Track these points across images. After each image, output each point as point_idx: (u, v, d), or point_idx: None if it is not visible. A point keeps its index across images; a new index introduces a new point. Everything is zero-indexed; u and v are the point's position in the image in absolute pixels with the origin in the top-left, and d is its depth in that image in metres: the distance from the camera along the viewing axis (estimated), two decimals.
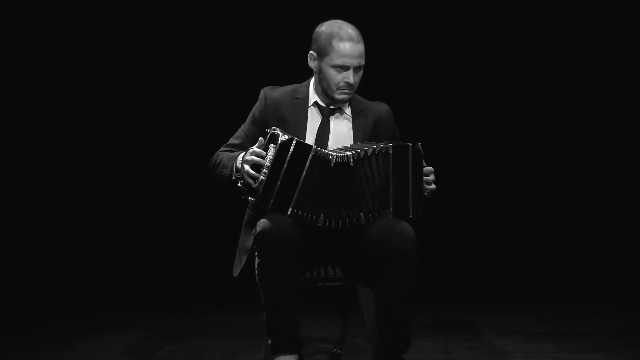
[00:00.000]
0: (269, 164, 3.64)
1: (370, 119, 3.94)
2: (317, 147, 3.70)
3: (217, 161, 3.89)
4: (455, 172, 6.66)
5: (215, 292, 6.11)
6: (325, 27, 3.87)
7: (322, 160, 3.67)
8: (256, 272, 3.69)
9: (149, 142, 6.70)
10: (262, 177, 3.63)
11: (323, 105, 3.92)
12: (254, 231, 3.67)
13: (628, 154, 6.72)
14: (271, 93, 3.94)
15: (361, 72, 3.88)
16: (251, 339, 4.71)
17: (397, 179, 3.71)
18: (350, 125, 3.93)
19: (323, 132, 3.89)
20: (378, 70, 6.23)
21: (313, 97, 3.93)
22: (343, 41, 3.81)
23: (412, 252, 3.66)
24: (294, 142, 3.64)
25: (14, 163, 6.64)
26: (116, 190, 6.74)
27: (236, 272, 3.91)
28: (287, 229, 3.62)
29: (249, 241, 3.83)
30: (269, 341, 3.74)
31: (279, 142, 3.64)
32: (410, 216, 3.72)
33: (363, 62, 3.86)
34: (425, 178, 3.77)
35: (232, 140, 3.95)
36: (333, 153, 3.70)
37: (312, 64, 3.91)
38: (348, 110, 3.95)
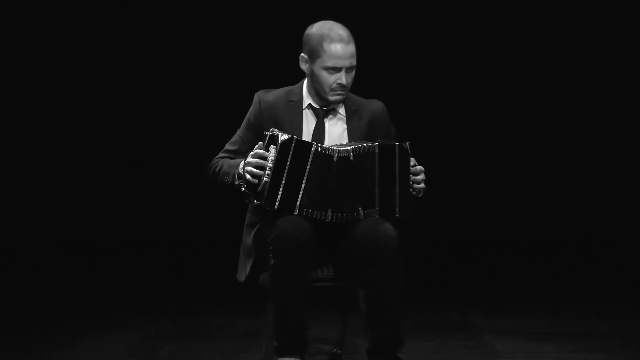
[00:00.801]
0: (271, 165, 3.64)
1: (365, 119, 3.93)
2: (315, 143, 3.69)
3: (217, 169, 3.88)
4: (455, 172, 6.67)
5: (216, 292, 6.11)
6: (315, 29, 3.85)
7: (324, 155, 3.68)
8: (268, 274, 3.70)
9: (149, 142, 6.70)
10: (265, 179, 3.64)
11: (317, 107, 3.91)
12: (270, 235, 3.66)
13: (628, 153, 6.72)
14: (265, 96, 3.94)
15: (353, 72, 3.86)
16: (251, 339, 4.71)
17: (384, 178, 3.70)
18: (345, 126, 3.93)
19: (318, 134, 3.89)
20: (379, 70, 6.26)
21: (307, 99, 3.92)
22: (334, 42, 3.80)
23: (393, 252, 3.65)
24: (294, 141, 3.64)
25: (14, 163, 6.64)
26: (116, 190, 6.74)
27: (242, 278, 3.91)
28: (305, 231, 3.63)
29: (253, 245, 3.83)
30: (275, 343, 3.73)
31: (280, 142, 3.64)
32: (397, 216, 3.72)
33: (355, 62, 3.84)
34: (413, 178, 3.76)
35: (228, 146, 3.94)
36: (334, 148, 3.70)
37: (303, 66, 3.90)
38: (342, 111, 3.94)
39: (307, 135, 3.89)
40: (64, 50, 6.59)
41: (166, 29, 6.61)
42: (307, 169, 3.66)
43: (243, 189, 3.70)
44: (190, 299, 6.02)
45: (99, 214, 6.73)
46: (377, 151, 3.71)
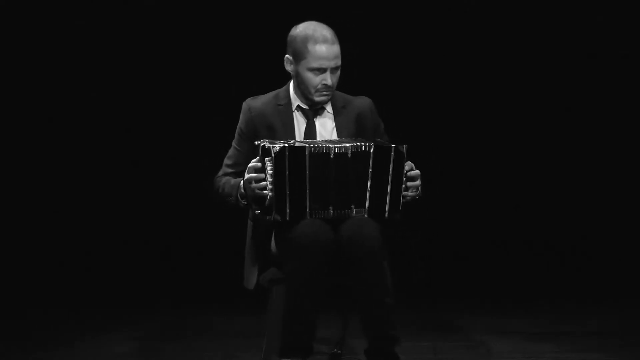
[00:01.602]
0: (271, 179, 3.64)
1: (352, 115, 3.94)
2: (309, 144, 3.69)
3: (220, 190, 3.90)
4: (455, 172, 6.66)
5: (216, 292, 6.11)
6: (299, 30, 3.85)
7: (319, 154, 3.67)
8: (285, 275, 3.70)
9: (150, 142, 6.69)
10: (269, 194, 3.63)
11: (305, 107, 3.92)
12: (288, 237, 3.65)
13: (628, 154, 6.72)
14: (253, 103, 3.94)
15: (339, 72, 3.87)
16: (251, 339, 4.71)
17: (376, 178, 3.70)
18: (334, 124, 3.93)
19: (310, 134, 3.90)
20: (380, 70, 6.26)
21: (295, 101, 3.93)
22: (319, 44, 3.80)
23: (375, 252, 3.64)
24: (287, 150, 3.63)
25: (14, 163, 6.63)
26: (116, 191, 6.73)
27: (251, 285, 3.91)
28: (323, 233, 3.63)
29: (259, 250, 3.84)
30: (280, 343, 3.73)
31: (273, 154, 3.63)
32: (386, 217, 3.71)
33: (340, 63, 3.84)
34: (408, 183, 3.75)
35: (226, 161, 3.95)
36: (329, 145, 3.70)
37: (288, 67, 3.90)
38: (329, 108, 3.95)
39: (299, 136, 3.90)
40: (64, 50, 6.58)
41: (166, 28, 6.60)
42: (307, 172, 3.66)
43: (253, 210, 3.71)
44: (191, 299, 6.02)
45: (100, 214, 6.72)
46: (372, 151, 3.70)
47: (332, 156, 3.68)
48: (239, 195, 3.78)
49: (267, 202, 3.65)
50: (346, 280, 3.80)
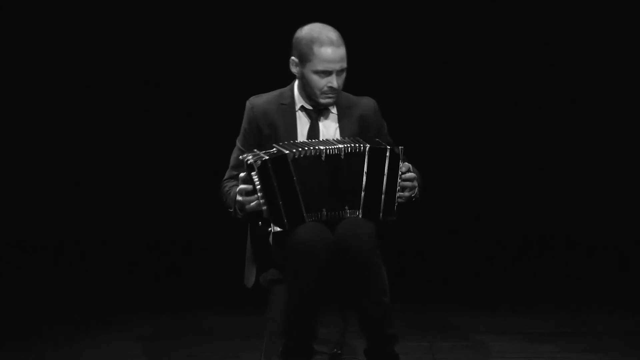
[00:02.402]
0: (260, 193, 3.64)
1: (356, 116, 3.93)
2: (292, 150, 3.65)
3: (224, 199, 3.90)
4: (455, 170, 6.66)
5: (216, 292, 6.12)
6: (304, 32, 3.83)
7: (307, 158, 3.66)
8: (286, 277, 3.70)
9: (151, 142, 6.69)
10: (264, 207, 3.63)
11: (310, 108, 3.91)
12: (289, 240, 3.64)
13: (629, 154, 6.72)
14: (256, 102, 3.93)
15: (344, 75, 3.85)
16: (251, 339, 4.71)
17: (371, 180, 3.69)
18: (337, 125, 3.92)
19: (313, 136, 3.89)
20: (379, 70, 6.25)
21: (299, 101, 3.92)
22: (324, 46, 3.78)
23: (368, 252, 3.63)
24: (269, 162, 3.62)
25: (14, 163, 6.64)
26: (117, 191, 6.74)
27: (250, 283, 3.92)
28: (324, 238, 3.62)
29: (259, 250, 3.84)
30: (282, 346, 3.74)
31: (256, 169, 3.63)
32: (380, 218, 3.71)
33: (345, 65, 3.83)
34: (403, 183, 3.74)
35: (231, 162, 3.94)
36: (320, 147, 3.68)
37: (294, 69, 3.89)
38: (334, 109, 3.94)
39: (301, 137, 3.88)
40: (64, 50, 6.59)
41: (166, 29, 6.60)
42: (295, 179, 3.64)
43: (257, 223, 3.73)
44: (191, 299, 6.02)
45: (100, 214, 6.73)
46: (366, 153, 3.69)
47: (323, 158, 3.67)
48: (237, 210, 3.77)
49: (264, 214, 3.65)
50: (344, 280, 3.81)
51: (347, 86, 3.93)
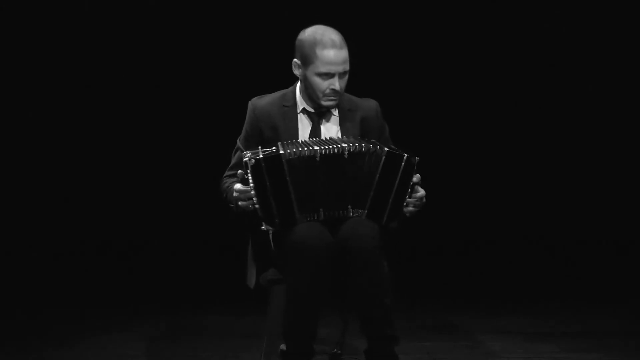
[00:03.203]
0: (253, 192, 3.64)
1: (357, 118, 3.92)
2: (287, 150, 3.64)
3: (224, 195, 3.89)
4: (455, 171, 6.67)
5: (216, 292, 6.12)
6: (307, 35, 3.82)
7: (304, 158, 3.65)
8: (286, 279, 3.70)
9: (152, 142, 6.70)
10: (256, 206, 3.63)
11: (311, 110, 3.91)
12: (288, 241, 3.65)
13: (628, 154, 6.72)
14: (258, 103, 3.92)
15: (347, 77, 3.84)
16: (251, 339, 4.71)
17: (382, 184, 3.67)
18: (339, 127, 3.92)
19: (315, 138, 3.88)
20: (378, 70, 6.26)
21: (301, 103, 3.91)
22: (327, 49, 3.77)
23: (370, 252, 3.62)
24: (262, 163, 3.61)
25: (14, 163, 6.64)
26: (118, 191, 6.74)
27: (252, 284, 3.92)
28: (322, 238, 3.62)
29: (260, 250, 3.84)
30: (283, 346, 3.74)
31: (250, 167, 3.62)
32: (383, 223, 3.70)
33: (348, 67, 3.81)
34: (409, 200, 3.71)
35: (232, 160, 3.94)
36: (316, 147, 3.67)
37: (296, 71, 3.88)
38: (336, 111, 3.93)
39: (302, 138, 3.87)
40: (64, 50, 6.59)
41: (167, 28, 6.61)
42: (288, 179, 3.64)
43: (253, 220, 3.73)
44: (191, 299, 6.02)
45: (101, 214, 6.73)
46: (384, 156, 3.66)
47: (318, 158, 3.66)
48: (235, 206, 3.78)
49: (258, 213, 3.66)
50: (345, 280, 3.81)
51: (349, 87, 3.93)
